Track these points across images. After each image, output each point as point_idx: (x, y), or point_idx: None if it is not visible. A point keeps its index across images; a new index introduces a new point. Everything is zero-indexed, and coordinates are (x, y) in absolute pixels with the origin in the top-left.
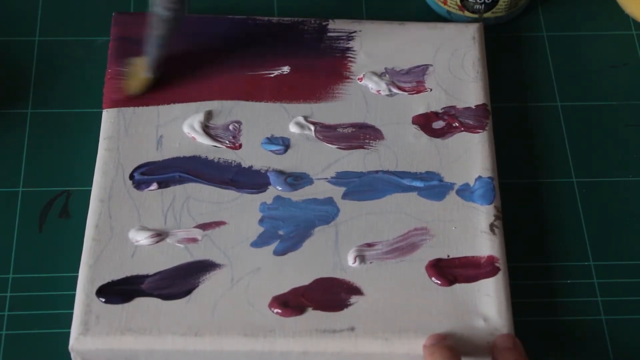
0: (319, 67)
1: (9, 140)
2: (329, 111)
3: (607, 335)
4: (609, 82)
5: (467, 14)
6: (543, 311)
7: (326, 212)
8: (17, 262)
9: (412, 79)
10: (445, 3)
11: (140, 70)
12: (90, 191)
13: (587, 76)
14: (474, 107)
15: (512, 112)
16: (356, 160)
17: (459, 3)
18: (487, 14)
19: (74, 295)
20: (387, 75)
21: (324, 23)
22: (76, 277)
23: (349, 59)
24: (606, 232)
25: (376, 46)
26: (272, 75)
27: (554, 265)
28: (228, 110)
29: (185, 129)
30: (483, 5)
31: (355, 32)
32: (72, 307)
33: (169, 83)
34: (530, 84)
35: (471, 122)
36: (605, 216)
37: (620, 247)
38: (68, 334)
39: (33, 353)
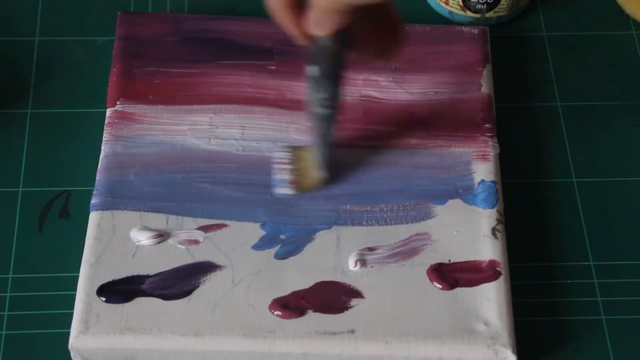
0: None
1: (9, 140)
2: None
3: (607, 335)
4: (609, 82)
5: (469, 14)
6: (543, 311)
7: (328, 216)
8: (17, 262)
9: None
10: (447, 3)
11: (310, 168)
12: (90, 191)
13: (587, 76)
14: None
15: (512, 111)
16: (358, 165)
17: (460, 3)
18: (489, 14)
19: (74, 295)
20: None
21: None
22: (76, 277)
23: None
24: (606, 232)
25: None
26: (276, 79)
27: (554, 265)
28: (231, 111)
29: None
30: (485, 5)
31: None
32: (72, 307)
33: (172, 84)
34: (530, 84)
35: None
36: (605, 216)
37: (620, 247)
38: (68, 334)
39: (33, 353)
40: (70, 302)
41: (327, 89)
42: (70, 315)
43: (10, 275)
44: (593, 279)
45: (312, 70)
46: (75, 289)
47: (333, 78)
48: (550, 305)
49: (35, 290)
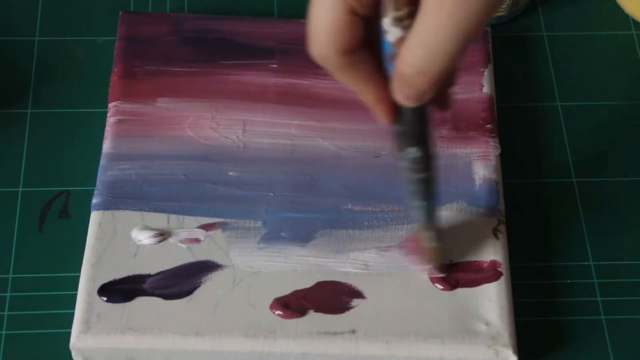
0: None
1: (9, 140)
2: (334, 115)
3: (607, 335)
4: (609, 82)
5: None
6: (543, 311)
7: (329, 215)
8: (17, 262)
9: None
10: None
11: (424, 241)
12: (90, 191)
13: (587, 76)
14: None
15: (511, 111)
16: (360, 165)
17: None
18: None
19: (74, 295)
20: None
21: None
22: (76, 277)
23: None
24: (606, 232)
25: None
26: (278, 77)
27: (554, 265)
28: (232, 110)
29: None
30: None
31: None
32: (72, 307)
33: (173, 84)
34: (530, 84)
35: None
36: (605, 216)
37: (620, 247)
38: (68, 334)
39: (33, 353)
40: (70, 302)
41: (415, 151)
42: (71, 315)
43: (10, 275)
44: (593, 279)
45: (399, 134)
46: (75, 289)
47: (420, 137)
48: (550, 305)
49: (35, 290)
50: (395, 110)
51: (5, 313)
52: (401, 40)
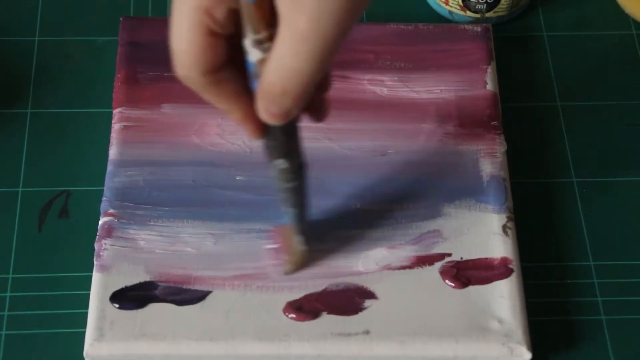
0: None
1: (9, 140)
2: (340, 116)
3: (607, 335)
4: (609, 82)
5: (469, 13)
6: (543, 311)
7: (339, 216)
8: (17, 262)
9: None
10: (447, 3)
11: (294, 245)
12: (90, 191)
13: (587, 76)
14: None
15: (511, 111)
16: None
17: (460, 3)
18: (489, 14)
19: (73, 295)
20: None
21: None
22: (76, 277)
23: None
24: (606, 232)
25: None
26: None
27: (554, 265)
28: None
29: None
30: (485, 5)
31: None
32: (72, 307)
33: (177, 88)
34: (530, 84)
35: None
36: (605, 216)
37: (620, 247)
38: (68, 334)
39: (32, 353)
40: (69, 302)
41: (283, 163)
42: (70, 315)
43: (10, 275)
44: (593, 279)
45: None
46: (75, 289)
47: (288, 150)
48: (550, 305)
49: (35, 290)
50: (263, 126)
51: (5, 313)
52: (262, 61)
